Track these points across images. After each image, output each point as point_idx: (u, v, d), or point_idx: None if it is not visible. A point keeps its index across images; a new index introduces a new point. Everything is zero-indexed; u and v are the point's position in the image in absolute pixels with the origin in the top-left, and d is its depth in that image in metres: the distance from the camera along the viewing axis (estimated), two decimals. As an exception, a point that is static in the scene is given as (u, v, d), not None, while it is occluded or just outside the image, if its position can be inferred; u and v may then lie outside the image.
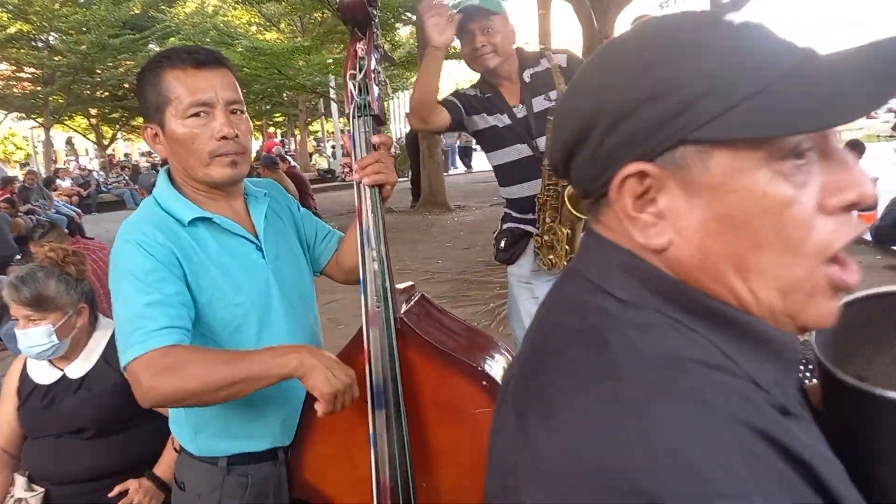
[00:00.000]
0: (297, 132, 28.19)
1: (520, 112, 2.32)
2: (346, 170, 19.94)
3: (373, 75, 1.37)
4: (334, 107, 22.87)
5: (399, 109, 31.83)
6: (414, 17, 12.59)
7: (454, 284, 5.52)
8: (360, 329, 1.34)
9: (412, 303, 1.47)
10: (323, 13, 17.99)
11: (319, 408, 1.15)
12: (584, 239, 0.63)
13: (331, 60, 15.78)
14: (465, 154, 20.39)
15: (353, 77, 1.37)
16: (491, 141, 2.40)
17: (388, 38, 14.46)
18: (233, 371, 1.13)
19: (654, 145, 0.52)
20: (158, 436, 1.82)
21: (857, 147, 7.25)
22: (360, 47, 1.38)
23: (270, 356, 1.16)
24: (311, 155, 25.36)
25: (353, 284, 1.59)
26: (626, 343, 0.50)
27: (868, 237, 5.97)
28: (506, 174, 2.43)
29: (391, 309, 1.32)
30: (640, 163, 0.53)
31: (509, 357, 1.54)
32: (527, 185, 2.34)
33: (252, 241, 1.37)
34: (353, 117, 1.36)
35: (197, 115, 1.26)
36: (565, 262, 2.30)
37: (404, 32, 18.79)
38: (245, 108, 1.36)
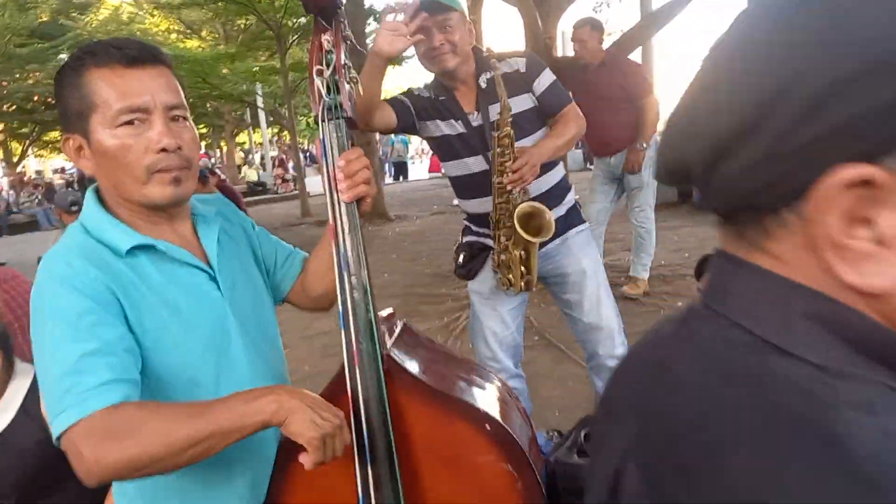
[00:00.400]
0: (223, 144, 27.30)
1: (475, 120, 2.14)
2: (279, 181, 19.41)
3: (343, 71, 1.17)
4: (262, 116, 22.24)
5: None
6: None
7: (404, 299, 5.30)
8: (340, 370, 1.13)
9: (396, 334, 1.27)
10: (246, 20, 17.43)
11: (307, 459, 0.94)
12: (724, 271, 0.45)
13: (257, 68, 15.29)
14: (400, 170, 20.15)
15: (321, 73, 1.16)
16: (444, 150, 2.22)
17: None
18: (198, 426, 0.91)
19: (885, 138, 0.34)
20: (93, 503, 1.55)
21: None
22: (327, 39, 1.18)
23: (242, 402, 0.94)
24: (239, 167, 24.58)
25: (321, 311, 1.39)
26: (865, 437, 0.33)
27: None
28: (461, 187, 2.26)
29: (377, 346, 1.12)
30: (860, 165, 0.35)
31: (504, 389, 1.37)
32: (485, 199, 2.17)
33: (204, 270, 1.14)
34: (323, 120, 1.16)
35: (130, 122, 1.04)
36: (522, 284, 2.15)
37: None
38: (189, 114, 1.14)
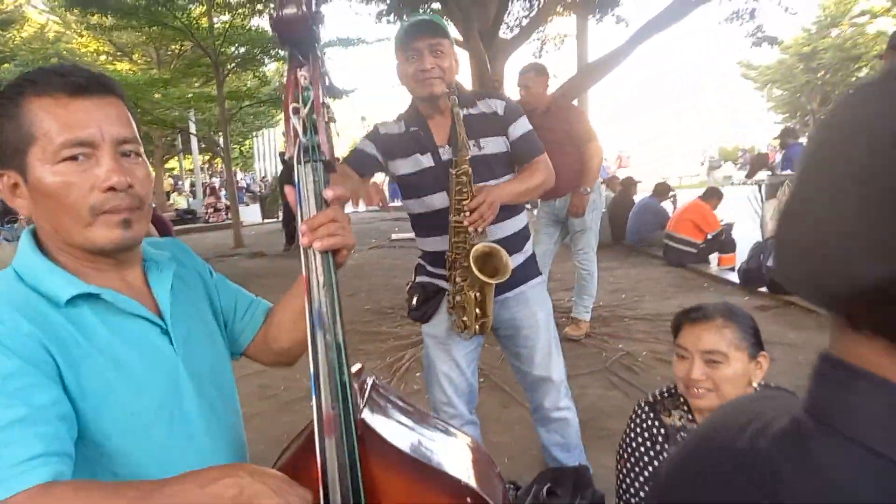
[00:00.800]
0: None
1: (445, 154, 2.08)
2: (210, 210, 18.81)
3: (322, 110, 1.09)
4: (194, 142, 21.65)
5: (265, 147, 30.92)
6: (283, 53, 12.18)
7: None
8: (308, 437, 1.03)
9: (366, 394, 1.17)
10: (181, 45, 17.03)
11: None
12: (838, 381, 0.39)
13: (192, 95, 14.89)
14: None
15: (297, 112, 1.07)
16: (411, 187, 2.15)
17: (257, 75, 13.88)
18: None
19: None
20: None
21: (715, 195, 7.80)
22: (303, 75, 1.10)
23: (196, 485, 0.81)
24: (167, 194, 23.76)
25: (281, 366, 1.28)
26: None
27: (736, 279, 6.34)
28: (423, 225, 2.20)
29: (351, 411, 1.02)
30: None
31: (477, 450, 1.28)
32: (444, 238, 2.10)
33: (155, 323, 1.02)
34: (299, 163, 1.07)
35: (73, 158, 0.93)
36: (477, 327, 2.08)
37: (271, 68, 18.27)
38: (142, 149, 1.03)
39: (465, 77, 5.48)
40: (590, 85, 5.81)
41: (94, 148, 0.93)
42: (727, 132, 44.00)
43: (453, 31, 7.19)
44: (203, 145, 21.79)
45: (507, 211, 2.08)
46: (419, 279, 2.26)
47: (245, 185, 26.76)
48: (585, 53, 9.00)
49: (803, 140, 9.03)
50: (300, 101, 1.08)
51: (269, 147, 29.62)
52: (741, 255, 6.99)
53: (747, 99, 40.40)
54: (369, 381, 1.23)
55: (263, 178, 18.11)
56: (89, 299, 0.96)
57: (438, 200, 2.10)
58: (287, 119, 1.08)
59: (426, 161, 2.10)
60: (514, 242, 2.18)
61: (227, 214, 16.87)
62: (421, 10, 8.10)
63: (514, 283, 2.16)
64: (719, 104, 45.85)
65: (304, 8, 1.08)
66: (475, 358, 2.31)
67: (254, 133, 27.26)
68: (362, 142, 2.16)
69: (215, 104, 13.24)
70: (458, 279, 2.07)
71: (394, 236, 11.56)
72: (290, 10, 1.06)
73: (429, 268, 2.24)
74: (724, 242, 7.37)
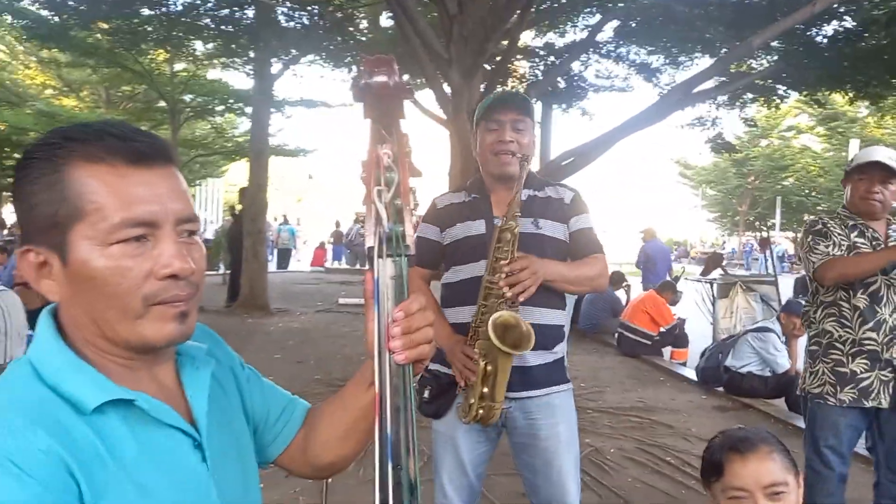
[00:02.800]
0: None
1: (499, 223, 1.95)
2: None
3: (409, 196, 0.92)
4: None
5: (207, 196, 30.18)
6: (248, 109, 12.02)
7: (291, 410, 4.79)
8: None
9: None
10: (133, 87, 16.64)
11: None
12: None
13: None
14: (283, 255, 19.40)
15: (381, 195, 0.91)
16: (460, 253, 2.03)
17: (213, 125, 13.64)
18: None
19: None
20: None
21: (669, 288, 7.92)
22: (386, 152, 0.94)
23: None
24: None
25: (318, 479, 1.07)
26: None
27: (691, 375, 6.33)
28: (459, 292, 2.03)
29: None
30: None
31: None
32: (472, 308, 1.95)
33: (188, 434, 0.82)
34: (380, 256, 0.89)
35: (133, 239, 0.75)
36: (479, 412, 1.86)
37: (222, 118, 18.06)
38: (198, 228, 0.85)
39: (445, 156, 5.43)
40: (560, 178, 5.86)
41: (155, 228, 0.75)
42: (664, 226, 45.91)
43: (437, 109, 7.25)
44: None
45: (548, 298, 1.94)
46: (432, 367, 2.05)
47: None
48: (549, 140, 9.21)
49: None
50: (384, 184, 0.92)
51: (211, 197, 28.99)
52: (693, 350, 7.05)
53: (682, 196, 42.45)
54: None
55: (202, 233, 17.62)
56: (119, 405, 0.76)
57: (480, 268, 1.96)
58: (368, 205, 0.91)
59: (478, 227, 2.03)
60: (545, 335, 1.98)
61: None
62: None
63: (537, 384, 1.98)
64: (657, 199, 48.05)
65: (396, 78, 0.94)
66: (485, 461, 2.09)
67: (197, 182, 26.70)
68: (422, 227, 2.07)
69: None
70: (478, 352, 1.88)
71: (341, 300, 11.22)
72: (380, 79, 0.92)
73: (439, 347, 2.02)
74: (677, 336, 7.43)
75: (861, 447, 3.28)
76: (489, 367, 1.85)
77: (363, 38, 9.50)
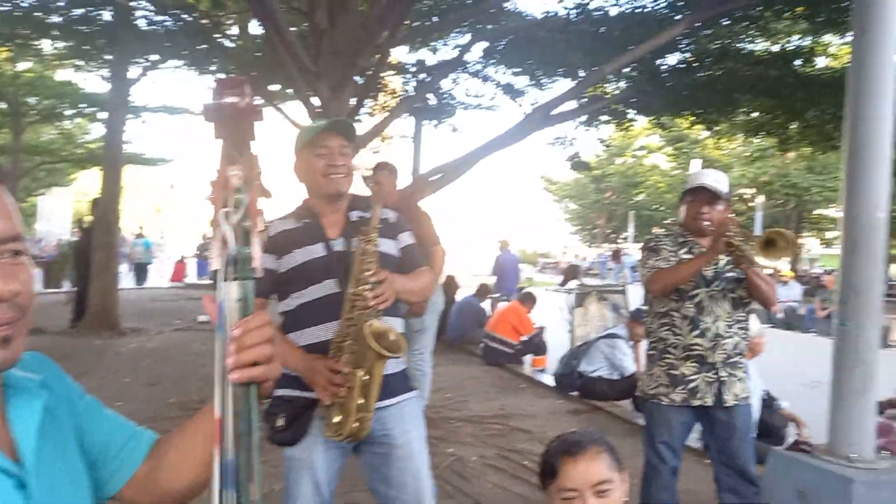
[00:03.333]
0: None
1: (337, 245, 2.07)
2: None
3: (258, 219, 0.94)
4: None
5: (52, 207, 27.67)
6: (102, 115, 11.19)
7: (144, 434, 4.52)
8: None
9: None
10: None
11: None
12: None
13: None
14: (140, 270, 18.12)
15: (228, 217, 0.92)
16: (299, 278, 2.05)
17: (62, 131, 12.59)
18: None
19: None
20: None
21: (530, 299, 8.30)
22: (236, 174, 0.95)
23: None
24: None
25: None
26: None
27: (550, 382, 6.67)
28: (304, 315, 2.05)
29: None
30: None
31: None
32: (326, 326, 1.99)
33: (10, 474, 0.78)
34: (225, 279, 0.90)
35: None
36: (355, 425, 1.89)
37: (72, 124, 16.70)
38: (26, 247, 0.83)
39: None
40: (429, 193, 6.01)
41: None
42: (528, 238, 47.94)
43: (308, 120, 7.15)
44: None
45: (392, 307, 2.02)
46: (279, 392, 2.03)
47: (23, 247, 23.46)
48: (420, 154, 9.39)
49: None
50: (233, 205, 0.93)
51: (56, 208, 26.59)
52: (552, 357, 7.44)
53: (546, 209, 44.59)
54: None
55: (38, 246, 16.17)
56: None
57: (327, 288, 2.04)
58: (215, 226, 0.92)
59: (317, 251, 2.07)
60: None
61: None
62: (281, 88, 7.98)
63: (392, 393, 2.03)
64: (528, 213, 50.11)
65: (248, 100, 0.96)
66: (337, 477, 2.11)
67: (41, 191, 24.45)
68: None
69: (8, 156, 11.69)
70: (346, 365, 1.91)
71: (201, 318, 10.68)
72: (231, 100, 0.93)
73: (293, 373, 2.00)
74: (537, 345, 7.80)
75: (694, 440, 3.63)
76: (366, 377, 1.88)
77: (232, 45, 9.21)
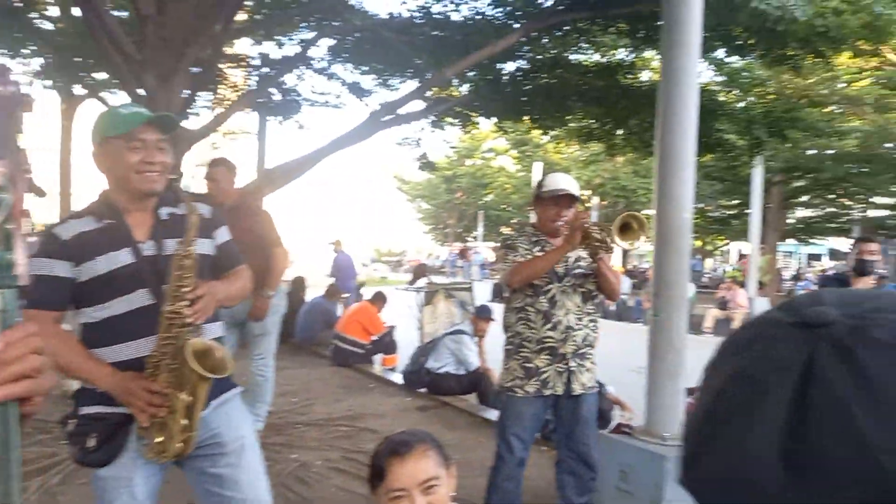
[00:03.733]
0: None
1: (147, 249, 1.88)
2: None
3: (21, 221, 0.84)
4: None
5: None
6: None
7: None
8: None
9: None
10: None
11: None
12: None
13: None
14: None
15: (-16, 219, 0.81)
16: (104, 290, 1.85)
17: None
18: None
19: None
20: None
21: (380, 298, 8.31)
22: (1, 171, 0.85)
23: None
24: None
25: None
26: None
27: (399, 380, 6.72)
28: (112, 329, 1.87)
29: None
30: None
31: None
32: (138, 343, 1.84)
33: None
34: (-21, 287, 0.79)
35: None
36: (179, 445, 1.81)
37: None
38: None
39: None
40: (271, 191, 5.83)
41: None
42: (384, 236, 48.08)
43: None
44: None
45: (211, 315, 1.94)
46: (87, 410, 1.86)
47: None
48: (264, 151, 9.06)
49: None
50: (-9, 205, 0.83)
51: None
52: (402, 355, 7.50)
53: (400, 208, 44.98)
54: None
55: None
56: None
57: (138, 299, 1.86)
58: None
59: (124, 258, 1.86)
60: None
61: None
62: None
63: (214, 394, 1.93)
64: (378, 210, 50.19)
65: (12, 88, 0.86)
66: (156, 492, 1.97)
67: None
68: (38, 263, 1.78)
69: None
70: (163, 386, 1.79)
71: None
72: (-11, 89, 0.84)
73: (100, 390, 1.84)
74: (387, 344, 7.83)
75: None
76: (191, 398, 1.78)
77: (51, 27, 8.34)
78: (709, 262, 34.74)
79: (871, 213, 23.18)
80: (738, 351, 0.50)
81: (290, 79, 8.57)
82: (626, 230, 2.90)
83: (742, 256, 27.33)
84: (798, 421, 0.42)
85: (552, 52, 7.42)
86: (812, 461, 0.41)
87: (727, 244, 34.84)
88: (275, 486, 3.89)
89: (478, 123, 9.42)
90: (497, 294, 10.77)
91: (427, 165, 9.22)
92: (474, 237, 35.58)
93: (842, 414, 0.41)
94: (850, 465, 0.40)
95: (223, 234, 2.10)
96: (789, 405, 0.43)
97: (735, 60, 8.18)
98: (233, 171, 4.38)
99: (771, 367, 0.46)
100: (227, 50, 9.19)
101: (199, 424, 1.88)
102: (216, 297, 1.88)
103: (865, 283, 4.05)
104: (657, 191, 3.53)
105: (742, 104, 9.12)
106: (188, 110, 5.99)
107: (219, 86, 8.49)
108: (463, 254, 20.04)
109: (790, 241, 29.73)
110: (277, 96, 8.60)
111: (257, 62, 8.71)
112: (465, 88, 8.30)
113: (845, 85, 15.60)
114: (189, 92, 5.66)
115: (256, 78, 8.94)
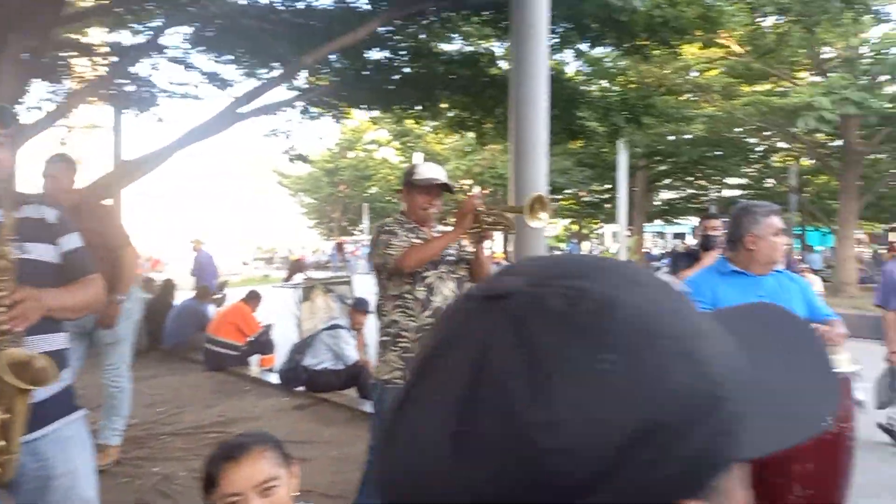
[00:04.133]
0: None
1: None
2: None
3: None
4: None
5: None
6: None
7: None
8: None
9: None
10: None
11: None
12: None
13: None
14: None
15: None
16: None
17: None
18: None
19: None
20: None
21: (255, 297, 8.01)
22: None
23: None
24: None
25: None
26: None
27: (276, 380, 6.51)
28: None
29: None
30: None
31: None
32: None
33: None
34: None
35: None
36: None
37: None
38: None
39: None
40: (127, 183, 5.46)
41: None
42: (267, 234, 46.63)
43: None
44: None
45: (44, 323, 1.77)
46: None
47: None
48: (121, 146, 8.45)
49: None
50: None
51: None
52: (280, 355, 7.28)
53: (283, 204, 43.79)
54: None
55: None
56: None
57: None
58: None
59: None
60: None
61: None
62: None
63: (48, 419, 1.77)
64: (259, 207, 48.59)
65: None
66: None
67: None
68: None
69: None
70: None
71: None
72: None
73: None
74: (264, 344, 7.57)
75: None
76: (6, 415, 1.60)
77: None
78: (586, 245, 36.47)
79: (726, 192, 25.27)
80: (435, 329, 0.47)
81: (143, 69, 8.06)
82: (536, 207, 2.96)
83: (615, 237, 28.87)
84: (468, 400, 0.40)
85: (418, 40, 7.41)
86: (476, 443, 0.39)
87: (601, 227, 36.71)
88: (133, 503, 3.67)
89: (349, 114, 9.27)
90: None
91: (298, 157, 8.97)
92: (360, 230, 35.29)
93: (502, 389, 0.39)
94: (509, 445, 0.38)
95: (71, 241, 1.94)
96: (465, 385, 0.40)
97: (599, 53, 8.56)
98: (73, 167, 4.03)
99: (454, 344, 0.43)
100: (81, 39, 8.51)
101: (27, 451, 1.72)
102: (44, 304, 1.72)
103: (712, 256, 4.34)
104: (512, 176, 3.60)
105: (599, 93, 9.55)
106: (20, 101, 5.46)
107: (63, 77, 7.81)
108: (340, 248, 19.81)
109: (658, 221, 31.80)
110: (130, 87, 8.04)
111: (105, 50, 8.10)
112: (331, 78, 8.14)
113: (697, 74, 16.82)
114: (26, 80, 5.16)
115: (107, 69, 8.31)
